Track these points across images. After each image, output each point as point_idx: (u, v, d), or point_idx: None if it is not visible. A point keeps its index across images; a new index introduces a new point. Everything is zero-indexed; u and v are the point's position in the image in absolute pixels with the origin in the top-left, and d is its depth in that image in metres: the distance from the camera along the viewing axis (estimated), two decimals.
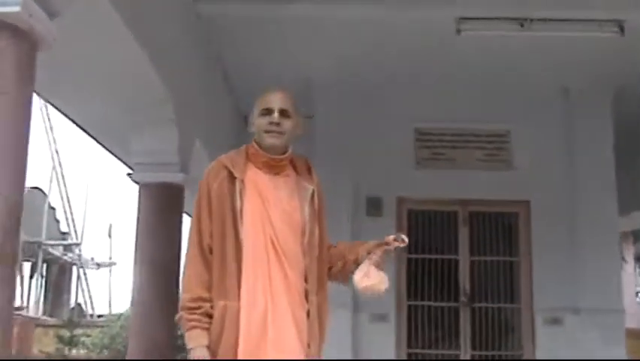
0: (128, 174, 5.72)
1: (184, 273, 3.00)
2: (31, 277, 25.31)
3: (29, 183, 28.60)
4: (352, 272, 3.10)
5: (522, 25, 6.21)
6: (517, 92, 8.59)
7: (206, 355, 2.85)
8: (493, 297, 8.51)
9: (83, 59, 4.73)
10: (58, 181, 24.18)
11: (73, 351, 17.59)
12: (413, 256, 8.55)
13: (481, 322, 8.42)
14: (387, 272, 3.08)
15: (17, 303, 24.88)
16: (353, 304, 8.19)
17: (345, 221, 8.27)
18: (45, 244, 23.55)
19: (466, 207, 8.61)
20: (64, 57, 4.74)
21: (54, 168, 23.81)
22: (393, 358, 8.26)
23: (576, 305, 8.12)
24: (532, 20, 6.22)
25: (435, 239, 8.68)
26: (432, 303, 8.50)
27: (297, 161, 3.22)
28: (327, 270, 3.19)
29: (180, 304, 2.95)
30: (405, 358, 8.33)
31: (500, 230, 8.73)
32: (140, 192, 5.78)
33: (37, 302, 24.89)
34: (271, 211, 3.01)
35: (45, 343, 18.86)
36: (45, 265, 25.64)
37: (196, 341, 2.86)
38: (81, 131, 6.34)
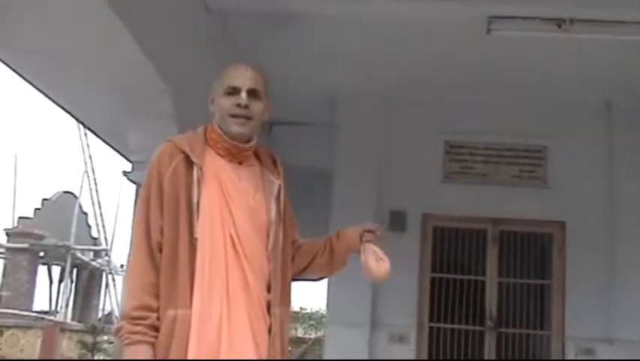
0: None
1: (127, 276, 2.54)
2: (60, 281, 25.23)
3: (61, 187, 28.59)
4: (342, 263, 2.82)
5: (560, 27, 5.64)
6: (555, 104, 8.02)
7: None
8: (522, 322, 7.93)
9: (70, 46, 4.37)
10: (90, 186, 24.06)
11: (95, 357, 17.39)
12: (437, 275, 8.05)
13: (507, 348, 7.82)
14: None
15: (46, 307, 24.88)
16: (371, 323, 7.74)
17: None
18: (74, 249, 23.43)
19: (497, 225, 8.06)
20: (50, 44, 4.42)
21: (86, 172, 23.68)
22: None
23: (610, 335, 7.50)
24: (572, 21, 5.65)
25: (461, 258, 8.14)
26: (455, 326, 7.96)
27: (260, 152, 2.76)
28: (303, 267, 2.78)
29: (122, 312, 2.49)
30: None
31: (532, 251, 8.16)
32: (137, 193, 5.35)
33: (65, 307, 24.77)
34: (233, 206, 2.54)
35: (68, 347, 18.72)
36: (75, 270, 25.56)
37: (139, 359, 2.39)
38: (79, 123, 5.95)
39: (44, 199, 24.94)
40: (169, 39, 4.89)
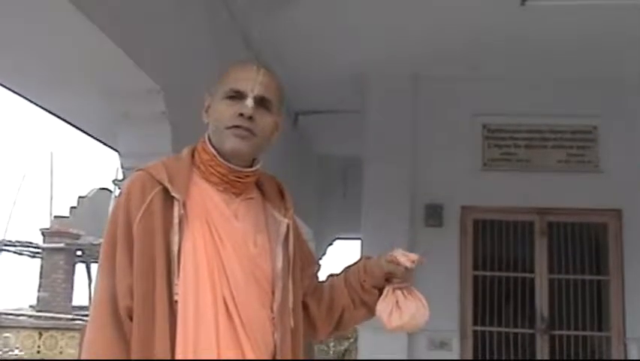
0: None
1: (86, 348, 1.87)
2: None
3: (98, 184, 28.46)
4: (367, 313, 2.16)
5: None
6: (605, 79, 7.16)
7: None
8: (577, 323, 7.15)
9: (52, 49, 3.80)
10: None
11: None
12: (480, 273, 7.34)
13: (562, 353, 7.09)
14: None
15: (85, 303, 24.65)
16: None
17: (401, 234, 7.16)
18: None
19: (544, 216, 7.30)
20: (28, 48, 3.87)
21: (120, 167, 23.30)
22: None
23: None
24: None
25: (506, 254, 7.41)
26: (502, 329, 7.25)
27: (263, 180, 2.09)
28: (330, 329, 2.17)
29: None
30: None
31: (585, 244, 7.37)
32: None
33: None
34: (227, 255, 1.89)
35: None
36: None
37: None
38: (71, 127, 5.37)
39: (80, 197, 24.62)
40: (155, 29, 4.23)
